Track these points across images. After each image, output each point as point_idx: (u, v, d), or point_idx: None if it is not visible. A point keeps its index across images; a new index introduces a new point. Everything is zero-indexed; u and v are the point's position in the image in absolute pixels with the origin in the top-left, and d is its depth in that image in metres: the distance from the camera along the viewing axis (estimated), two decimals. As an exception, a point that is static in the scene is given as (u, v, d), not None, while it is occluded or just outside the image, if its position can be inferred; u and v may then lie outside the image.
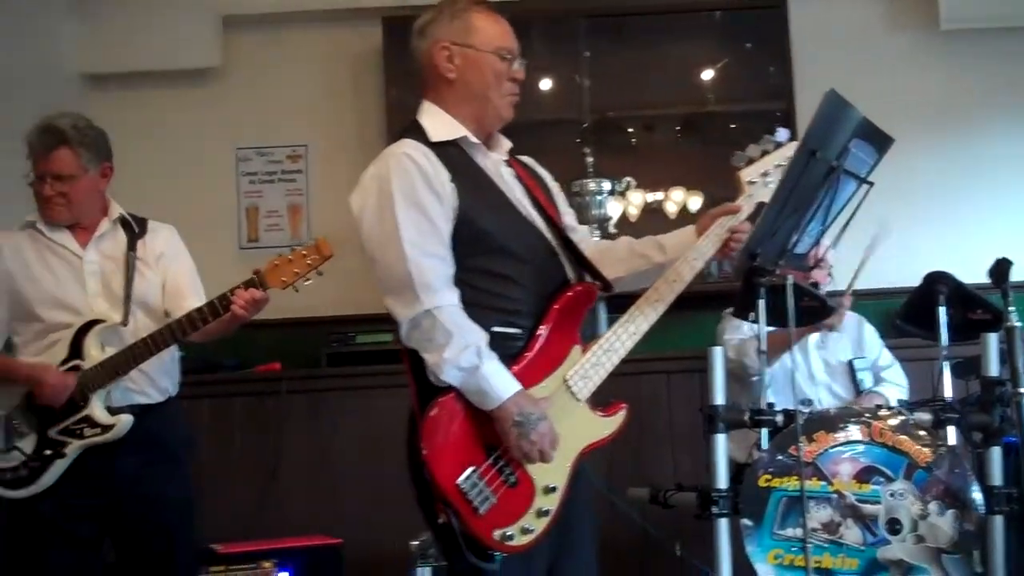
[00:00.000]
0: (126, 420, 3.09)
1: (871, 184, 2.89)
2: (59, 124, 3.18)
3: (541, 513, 2.34)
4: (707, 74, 5.49)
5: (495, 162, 2.56)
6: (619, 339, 2.50)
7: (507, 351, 2.35)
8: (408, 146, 2.41)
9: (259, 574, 3.90)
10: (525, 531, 2.31)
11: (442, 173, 2.37)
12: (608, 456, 4.47)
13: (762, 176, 2.72)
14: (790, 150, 2.74)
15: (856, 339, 4.31)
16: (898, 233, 4.77)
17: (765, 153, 2.76)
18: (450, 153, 2.44)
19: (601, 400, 2.51)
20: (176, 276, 3.29)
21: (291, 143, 5.52)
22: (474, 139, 2.50)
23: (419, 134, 2.46)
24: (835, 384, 4.19)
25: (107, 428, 3.08)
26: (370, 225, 2.40)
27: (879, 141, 2.84)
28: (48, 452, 3.09)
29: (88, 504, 3.12)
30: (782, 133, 2.81)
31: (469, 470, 2.26)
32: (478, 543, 2.26)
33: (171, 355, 3.27)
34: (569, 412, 2.40)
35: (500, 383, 2.29)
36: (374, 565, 4.47)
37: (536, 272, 2.45)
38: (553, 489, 2.36)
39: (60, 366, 3.10)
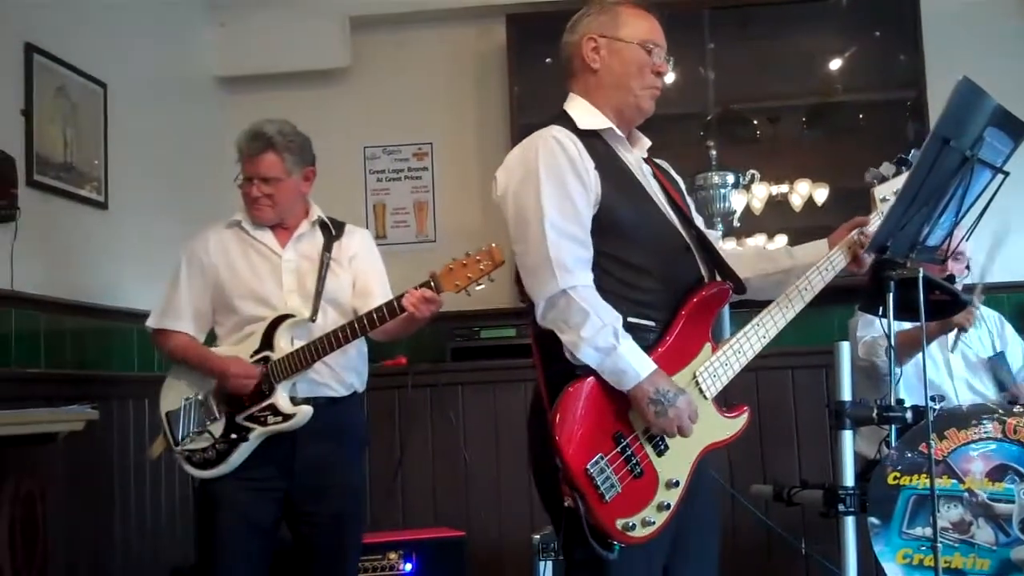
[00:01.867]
0: (306, 411, 3.23)
1: (1007, 174, 2.81)
2: (266, 130, 3.34)
3: (663, 507, 2.34)
4: (834, 63, 5.38)
5: (636, 158, 2.60)
6: (748, 341, 2.51)
7: (641, 343, 2.36)
8: (556, 131, 2.44)
9: (385, 565, 3.98)
10: (646, 523, 2.32)
11: (587, 160, 2.41)
12: (731, 453, 4.45)
13: (895, 195, 2.68)
14: None
15: (998, 336, 4.18)
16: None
17: (898, 172, 2.74)
18: (595, 143, 2.47)
19: (723, 399, 2.51)
20: (366, 276, 3.43)
21: (417, 141, 5.60)
22: (619, 132, 2.55)
23: (567, 121, 2.50)
24: (974, 379, 4.07)
25: (288, 417, 3.22)
26: (514, 204, 2.42)
27: (1015, 129, 2.76)
28: (234, 436, 3.26)
29: (269, 488, 3.27)
30: (915, 154, 2.76)
31: (598, 456, 2.28)
32: (600, 531, 2.28)
33: (358, 351, 3.42)
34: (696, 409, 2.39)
35: (637, 362, 2.30)
36: (496, 558, 4.52)
37: (670, 267, 2.47)
38: (676, 484, 2.37)
39: (252, 356, 3.27)
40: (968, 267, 4.03)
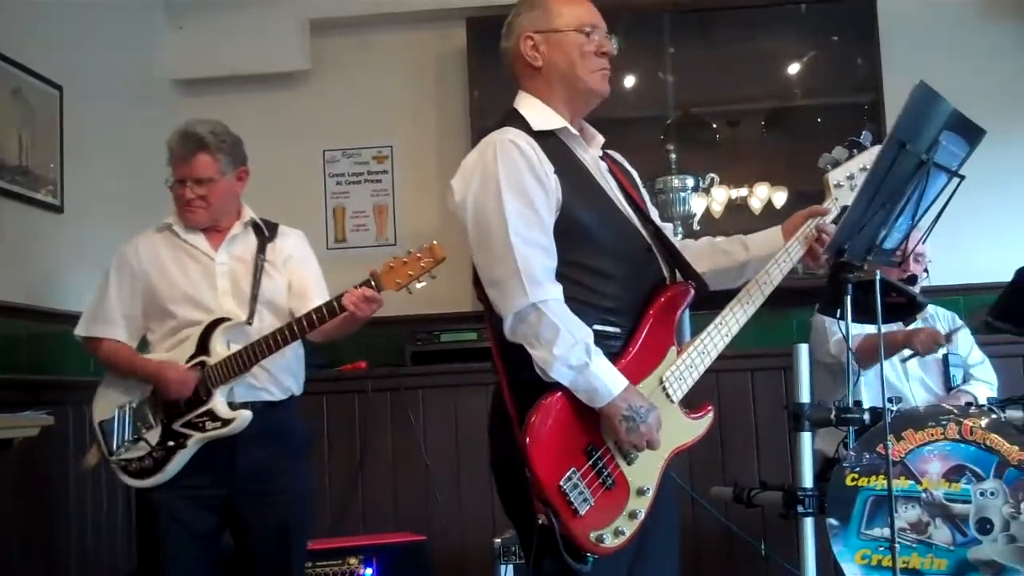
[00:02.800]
0: (245, 415, 3.18)
1: (962, 177, 2.84)
2: (198, 130, 3.30)
3: (634, 515, 2.33)
4: (793, 68, 5.42)
5: (593, 156, 2.55)
6: (712, 341, 2.49)
7: (606, 350, 2.32)
8: (513, 133, 2.37)
9: (345, 570, 3.95)
10: (618, 533, 2.30)
11: (547, 164, 2.34)
12: (691, 455, 4.46)
13: (848, 179, 2.69)
14: (876, 153, 2.71)
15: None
16: (990, 227, 4.69)
17: (851, 156, 2.73)
18: (551, 144, 2.41)
19: (687, 400, 2.49)
20: (302, 278, 3.39)
21: (377, 144, 5.58)
22: (573, 131, 2.49)
23: (520, 122, 2.43)
24: (928, 378, 4.11)
25: (227, 422, 3.18)
26: (474, 213, 2.34)
27: (970, 133, 2.79)
28: (171, 444, 3.20)
29: (208, 495, 3.22)
30: (867, 136, 2.76)
31: (570, 471, 2.25)
32: (573, 544, 2.25)
33: (295, 354, 3.38)
34: (664, 414, 2.37)
35: (610, 380, 2.27)
36: (457, 562, 4.51)
37: (633, 269, 2.43)
38: (646, 491, 2.36)
39: (187, 362, 3.22)
40: (927, 269, 4.06)
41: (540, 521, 2.24)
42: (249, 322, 3.25)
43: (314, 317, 3.13)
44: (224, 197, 3.34)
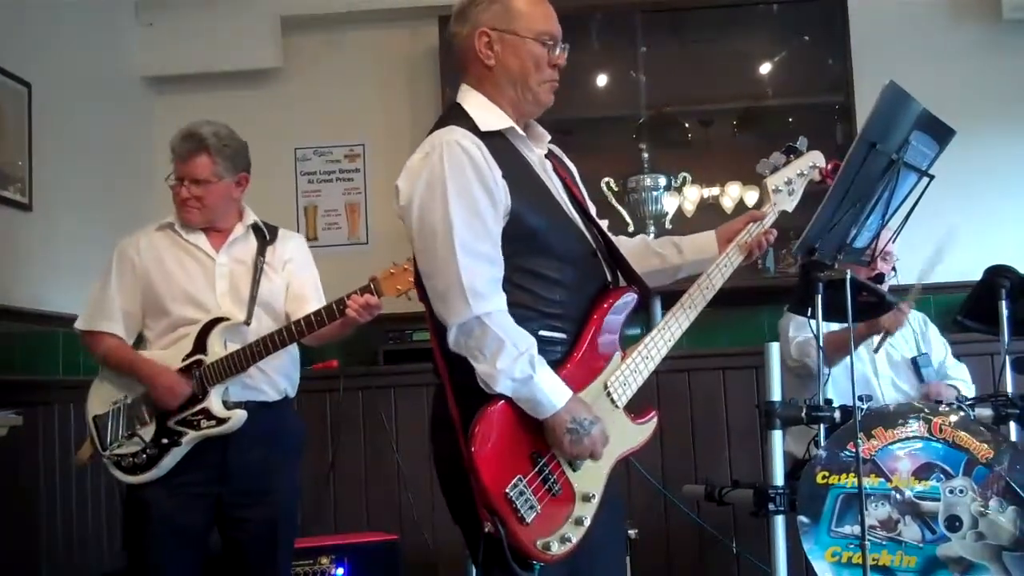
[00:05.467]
0: (240, 415, 3.19)
1: (932, 177, 2.86)
2: (202, 131, 3.29)
3: (578, 522, 2.31)
4: (765, 68, 5.44)
5: (539, 156, 2.49)
6: (656, 346, 2.47)
7: (550, 356, 2.30)
8: (459, 134, 2.30)
9: (317, 570, 3.94)
10: (564, 540, 2.28)
11: (495, 168, 2.28)
12: (663, 453, 4.47)
13: (786, 184, 2.71)
14: (813, 158, 2.73)
15: (921, 336, 4.25)
16: (959, 227, 4.71)
17: (788, 161, 2.73)
18: (498, 145, 2.35)
19: (634, 404, 2.47)
20: (300, 281, 3.41)
21: (349, 142, 5.57)
22: (520, 131, 2.44)
23: (466, 121, 2.36)
24: (898, 378, 4.13)
25: (222, 421, 3.18)
26: (419, 218, 2.29)
27: (940, 133, 2.81)
28: (165, 441, 3.20)
29: (200, 494, 3.22)
30: (803, 141, 2.77)
31: (516, 478, 2.22)
32: (520, 553, 2.23)
33: (291, 356, 3.39)
34: (608, 419, 2.35)
35: (553, 392, 2.24)
36: (429, 561, 4.50)
37: (579, 274, 2.40)
38: (591, 497, 2.34)
39: (184, 359, 3.22)
40: (895, 268, 4.08)
41: (487, 529, 2.21)
42: (247, 323, 3.25)
43: (313, 320, 3.16)
44: (220, 200, 3.33)
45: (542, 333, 2.31)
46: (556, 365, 2.30)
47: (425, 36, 5.43)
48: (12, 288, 4.17)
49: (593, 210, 2.59)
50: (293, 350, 3.38)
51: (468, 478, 2.21)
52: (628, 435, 2.43)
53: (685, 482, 4.18)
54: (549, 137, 2.55)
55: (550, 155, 2.56)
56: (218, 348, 3.22)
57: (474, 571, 3.84)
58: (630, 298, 2.46)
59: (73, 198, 4.62)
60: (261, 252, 3.37)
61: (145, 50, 5.43)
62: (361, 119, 5.56)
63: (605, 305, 2.41)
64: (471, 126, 2.35)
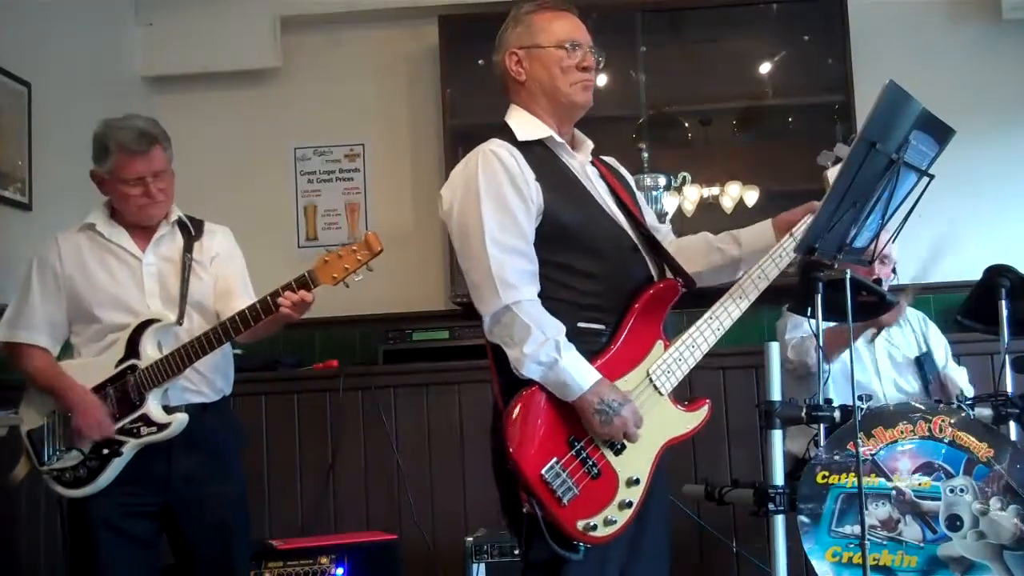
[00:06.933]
0: (181, 419, 3.10)
1: (932, 177, 2.85)
2: (148, 127, 3.21)
3: (624, 505, 2.40)
4: (764, 67, 5.44)
5: (581, 162, 2.66)
6: (703, 335, 2.58)
7: (591, 347, 2.44)
8: (495, 144, 2.51)
9: (316, 570, 3.94)
10: (608, 522, 2.38)
11: (527, 172, 2.46)
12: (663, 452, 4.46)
13: None
14: None
15: (922, 336, 4.25)
16: (959, 226, 4.71)
17: None
18: (536, 152, 2.54)
19: (682, 394, 2.57)
20: (227, 277, 3.30)
21: (348, 142, 5.56)
22: (559, 139, 2.60)
23: (507, 134, 2.57)
24: (900, 379, 4.13)
25: (163, 427, 3.08)
26: (457, 222, 2.49)
27: (940, 133, 2.80)
28: (106, 451, 3.10)
29: (145, 503, 3.13)
30: None
31: (552, 461, 2.34)
32: (562, 533, 2.34)
33: (225, 355, 3.29)
34: (652, 406, 2.47)
35: (580, 374, 2.36)
36: (429, 561, 4.50)
37: (618, 268, 2.54)
38: (637, 481, 2.43)
39: (116, 366, 3.12)
40: (894, 270, 4.08)
41: (525, 510, 2.34)
42: (179, 323, 3.16)
43: (248, 316, 3.02)
44: (173, 187, 3.26)
45: (580, 324, 2.46)
46: (596, 355, 2.43)
47: (425, 36, 5.43)
48: (11, 287, 4.15)
49: (651, 216, 2.74)
50: (227, 347, 3.24)
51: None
52: (673, 422, 2.55)
53: (685, 482, 4.18)
54: (592, 145, 2.72)
55: (599, 163, 2.73)
56: (152, 351, 3.10)
57: (474, 571, 3.87)
58: (671, 288, 2.57)
59: (72, 198, 4.57)
60: (188, 248, 3.25)
61: (145, 50, 5.44)
62: (361, 119, 5.56)
63: (645, 296, 2.52)
64: (510, 138, 2.56)
